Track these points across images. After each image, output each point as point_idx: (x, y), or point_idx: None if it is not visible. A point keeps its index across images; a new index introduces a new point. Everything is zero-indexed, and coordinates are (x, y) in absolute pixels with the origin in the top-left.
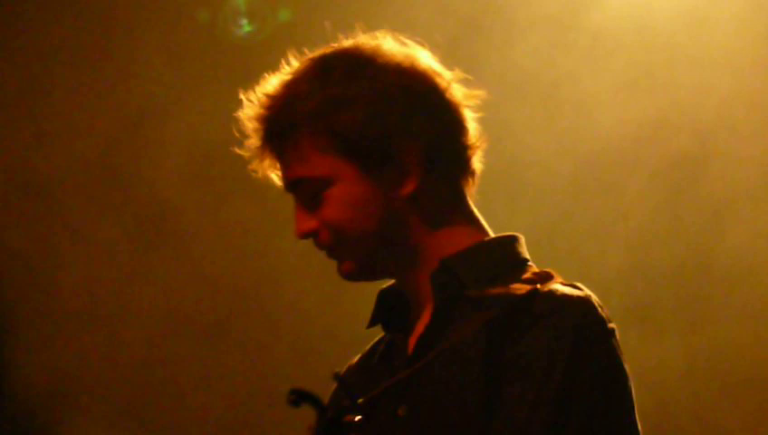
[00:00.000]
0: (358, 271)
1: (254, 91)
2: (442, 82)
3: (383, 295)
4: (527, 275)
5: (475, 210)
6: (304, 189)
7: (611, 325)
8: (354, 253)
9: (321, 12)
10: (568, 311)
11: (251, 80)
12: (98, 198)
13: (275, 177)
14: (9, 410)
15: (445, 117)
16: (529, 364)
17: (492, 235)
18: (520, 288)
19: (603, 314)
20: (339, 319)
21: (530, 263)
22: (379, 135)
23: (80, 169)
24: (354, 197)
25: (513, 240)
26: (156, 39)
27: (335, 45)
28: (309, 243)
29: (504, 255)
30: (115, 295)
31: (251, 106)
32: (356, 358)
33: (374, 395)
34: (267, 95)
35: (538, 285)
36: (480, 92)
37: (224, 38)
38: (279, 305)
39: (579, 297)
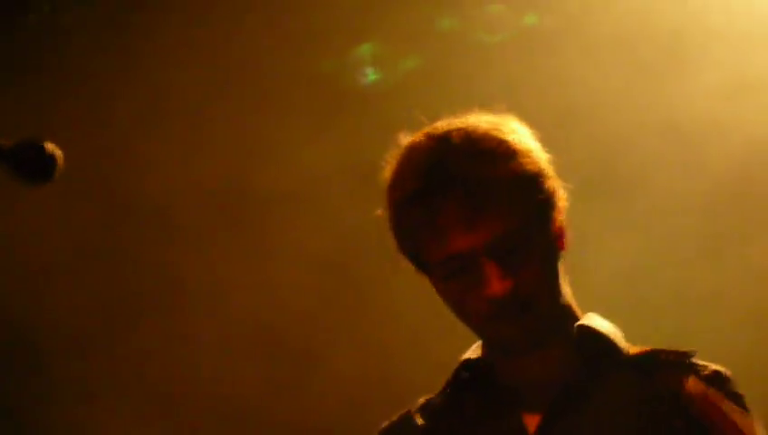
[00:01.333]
0: (539, 334)
1: (427, 138)
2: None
3: (465, 366)
4: (639, 349)
5: None
6: (503, 245)
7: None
8: (541, 310)
9: (447, 59)
10: (735, 387)
11: (379, 127)
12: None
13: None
14: None
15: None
16: None
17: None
18: (671, 355)
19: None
20: None
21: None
22: (556, 199)
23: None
24: (547, 253)
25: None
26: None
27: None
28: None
29: (611, 329)
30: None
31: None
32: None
33: None
34: (454, 145)
35: (692, 359)
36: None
37: (348, 87)
38: None
39: (725, 372)
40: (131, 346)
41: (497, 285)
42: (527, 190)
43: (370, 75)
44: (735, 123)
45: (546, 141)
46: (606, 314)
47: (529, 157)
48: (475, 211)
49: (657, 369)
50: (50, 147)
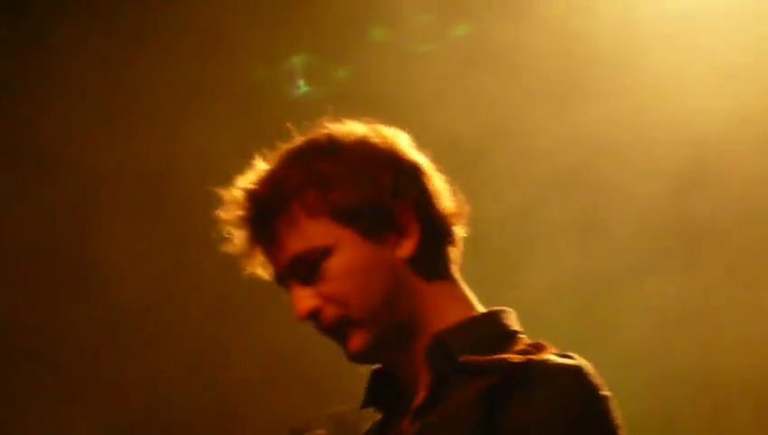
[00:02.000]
0: (367, 346)
1: (232, 190)
2: (418, 156)
3: (375, 375)
4: (519, 347)
5: (462, 282)
6: (301, 266)
7: (605, 392)
8: (362, 325)
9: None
10: (562, 380)
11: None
12: None
13: (265, 273)
14: None
15: (426, 183)
16: (532, 431)
17: (479, 308)
18: (515, 358)
19: (596, 382)
20: None
21: (521, 335)
22: (374, 196)
23: None
24: (357, 263)
25: (502, 313)
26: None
27: (303, 137)
28: None
29: (495, 328)
30: None
31: (233, 201)
32: None
33: None
34: (251, 183)
35: (532, 357)
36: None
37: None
38: None
39: (572, 366)
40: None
41: (302, 306)
42: (307, 209)
43: (302, 87)
44: (643, 148)
45: (471, 157)
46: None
47: (301, 169)
48: (271, 240)
49: (484, 374)
50: None
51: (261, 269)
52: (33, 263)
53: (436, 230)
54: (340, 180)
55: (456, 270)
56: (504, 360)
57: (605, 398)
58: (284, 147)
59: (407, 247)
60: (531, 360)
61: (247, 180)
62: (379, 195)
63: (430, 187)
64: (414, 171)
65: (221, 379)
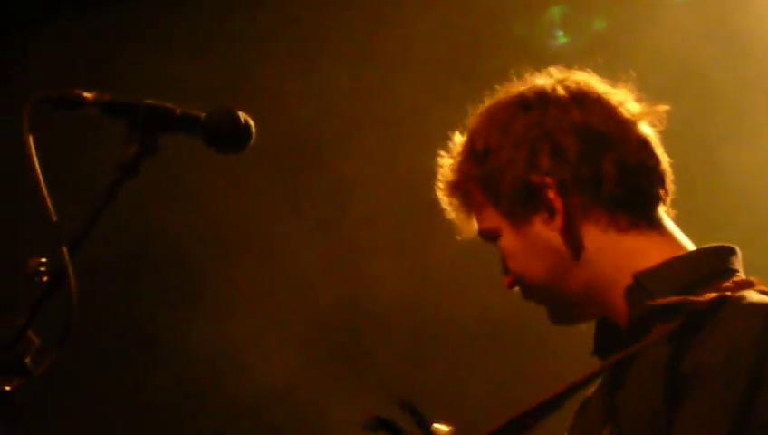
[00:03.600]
0: (556, 316)
1: (441, 160)
2: (612, 103)
3: (601, 322)
4: (726, 284)
5: (669, 224)
6: (491, 242)
7: None
8: (543, 299)
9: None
10: (751, 318)
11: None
12: None
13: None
14: None
15: (613, 150)
16: (710, 368)
17: (688, 247)
18: (706, 296)
19: None
20: None
21: (738, 272)
22: (522, 180)
23: None
24: (516, 247)
25: (721, 251)
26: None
27: (500, 96)
28: None
29: (705, 266)
30: None
31: (439, 172)
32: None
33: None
34: (447, 157)
35: (728, 293)
36: (664, 107)
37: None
38: None
39: (766, 303)
40: None
41: (504, 276)
42: (477, 185)
43: (560, 38)
44: None
45: None
46: None
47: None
48: (458, 212)
49: (670, 317)
50: (242, 115)
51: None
52: None
53: (624, 186)
54: (492, 160)
55: (655, 215)
56: (690, 300)
57: None
58: (480, 111)
59: (558, 221)
60: (724, 297)
61: (449, 156)
62: (519, 178)
63: (614, 145)
64: (599, 143)
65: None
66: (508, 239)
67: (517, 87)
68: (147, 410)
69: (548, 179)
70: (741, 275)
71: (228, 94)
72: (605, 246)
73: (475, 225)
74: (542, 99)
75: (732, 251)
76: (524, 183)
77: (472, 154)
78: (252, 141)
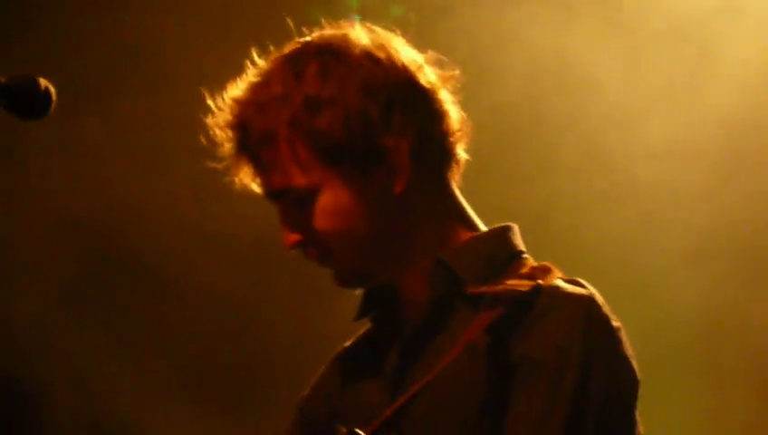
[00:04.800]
0: (353, 278)
1: (223, 97)
2: (416, 68)
3: (371, 291)
4: (525, 270)
5: (463, 201)
6: (288, 199)
7: (616, 323)
8: (347, 260)
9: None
10: (574, 309)
11: None
12: None
13: (255, 185)
14: None
15: (424, 106)
16: (541, 363)
17: (483, 227)
18: (521, 284)
19: (607, 312)
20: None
21: (525, 255)
22: (363, 136)
23: None
24: (344, 204)
25: (506, 231)
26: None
27: (302, 41)
28: None
29: (500, 247)
30: None
31: (221, 113)
32: (339, 350)
33: (377, 424)
34: (238, 101)
35: (540, 281)
36: (456, 73)
37: None
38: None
39: (583, 295)
40: None
41: (286, 237)
42: (292, 140)
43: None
44: None
45: None
46: None
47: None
48: (257, 165)
49: (491, 306)
50: (43, 82)
51: (248, 180)
52: None
53: (434, 155)
54: (331, 117)
55: (456, 190)
56: (510, 289)
57: (617, 329)
58: (277, 53)
59: (398, 184)
60: (539, 286)
61: (238, 89)
62: (370, 134)
63: (430, 111)
64: (414, 96)
65: None
66: (332, 196)
67: (328, 36)
68: None
69: (401, 141)
70: (530, 258)
71: None
72: (426, 213)
73: (256, 178)
74: (369, 55)
75: (512, 229)
76: (373, 141)
77: (299, 102)
78: (52, 108)
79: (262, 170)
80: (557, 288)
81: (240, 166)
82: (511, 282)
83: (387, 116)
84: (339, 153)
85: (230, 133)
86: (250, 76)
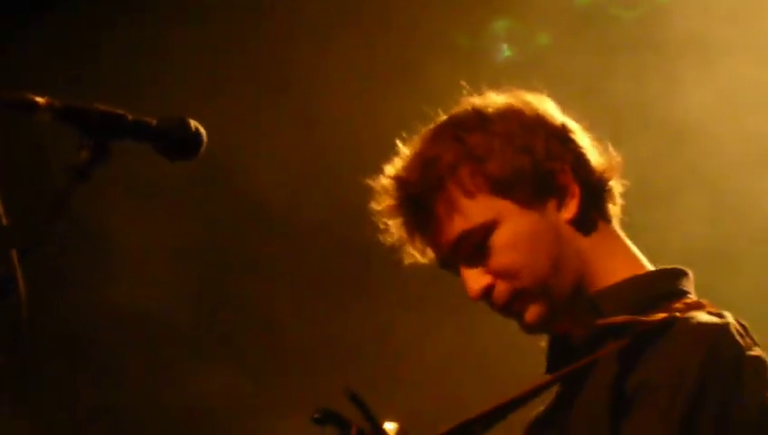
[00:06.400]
0: (545, 315)
1: (384, 176)
2: (560, 114)
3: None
4: (677, 305)
5: (625, 237)
6: (467, 246)
7: (753, 353)
8: (536, 296)
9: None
10: (698, 337)
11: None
12: None
13: (425, 258)
14: None
15: (578, 142)
16: (655, 389)
17: (647, 266)
18: (655, 316)
19: (742, 342)
20: None
21: (689, 294)
22: (530, 162)
23: None
24: (522, 233)
25: (674, 273)
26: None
27: (456, 110)
28: None
29: (659, 287)
30: None
31: (383, 191)
32: None
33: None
34: (400, 169)
35: (677, 314)
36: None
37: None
38: None
39: (714, 324)
40: None
41: (472, 287)
42: (455, 182)
43: (505, 51)
44: None
45: None
46: None
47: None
48: (431, 223)
49: (619, 336)
50: (193, 123)
51: (420, 256)
52: None
53: (594, 187)
54: (494, 152)
55: (617, 225)
56: (638, 319)
57: (751, 358)
58: (427, 129)
59: (570, 208)
60: (673, 318)
61: (395, 167)
62: (535, 160)
63: (582, 146)
64: (563, 132)
65: None
66: (511, 228)
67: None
68: None
69: (564, 166)
70: (692, 297)
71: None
72: (590, 249)
73: (430, 240)
74: (523, 102)
75: (684, 273)
76: (536, 167)
77: (464, 152)
78: (203, 149)
79: (437, 227)
80: (691, 319)
81: (414, 236)
82: (647, 315)
83: (547, 146)
84: (511, 183)
85: (400, 199)
86: (404, 153)
